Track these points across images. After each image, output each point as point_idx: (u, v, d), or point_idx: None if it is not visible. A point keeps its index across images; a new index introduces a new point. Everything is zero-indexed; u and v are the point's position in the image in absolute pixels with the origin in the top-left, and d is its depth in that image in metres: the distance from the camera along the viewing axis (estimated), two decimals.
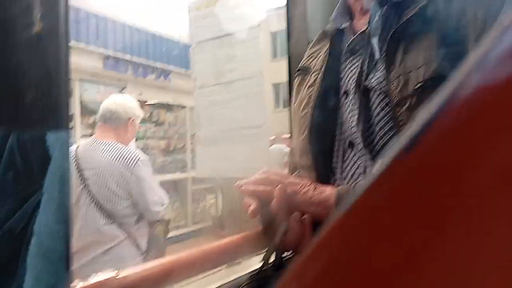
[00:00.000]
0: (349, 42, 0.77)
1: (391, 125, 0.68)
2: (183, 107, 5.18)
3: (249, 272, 0.66)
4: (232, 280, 0.68)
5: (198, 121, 2.29)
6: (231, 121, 2.07)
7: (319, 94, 0.78)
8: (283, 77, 1.41)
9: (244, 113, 2.03)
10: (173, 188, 5.50)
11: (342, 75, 0.77)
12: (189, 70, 2.28)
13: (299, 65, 0.88)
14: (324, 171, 0.77)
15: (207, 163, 2.03)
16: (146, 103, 5.50)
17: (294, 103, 0.86)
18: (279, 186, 0.68)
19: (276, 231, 0.64)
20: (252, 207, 0.68)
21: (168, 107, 5.63)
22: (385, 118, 0.69)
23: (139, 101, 5.46)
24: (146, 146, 4.84)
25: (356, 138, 0.72)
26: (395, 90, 0.66)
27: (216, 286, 0.66)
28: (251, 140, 2.07)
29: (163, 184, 5.29)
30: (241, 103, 2.04)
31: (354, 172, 0.74)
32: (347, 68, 0.77)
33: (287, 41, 1.57)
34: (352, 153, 0.74)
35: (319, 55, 0.82)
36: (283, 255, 0.66)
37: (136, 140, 4.94)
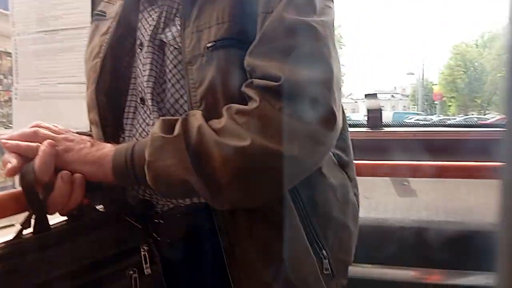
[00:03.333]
0: None
1: (182, 83, 0.66)
2: (9, 53, 4.56)
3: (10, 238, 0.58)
4: None
5: (17, 72, 2.03)
6: (54, 74, 1.89)
7: (112, 43, 0.72)
8: None
9: (69, 66, 1.86)
10: None
11: (138, 25, 0.73)
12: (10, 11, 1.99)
13: (95, 10, 0.79)
14: (112, 128, 0.71)
15: (25, 119, 1.83)
16: None
17: (86, 51, 0.78)
18: (46, 141, 0.61)
19: (39, 191, 0.59)
20: (10, 165, 0.60)
21: None
22: (177, 75, 0.67)
23: None
24: None
25: (147, 94, 0.70)
26: (188, 47, 0.65)
27: None
28: (75, 96, 1.91)
29: None
30: (67, 55, 1.86)
31: (143, 129, 0.69)
32: (144, 19, 0.72)
33: None
34: (143, 110, 0.70)
35: (117, 1, 0.75)
36: (47, 217, 0.61)
37: None
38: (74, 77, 1.82)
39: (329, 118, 0.59)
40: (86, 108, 0.75)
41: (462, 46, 30.92)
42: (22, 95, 1.94)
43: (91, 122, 0.74)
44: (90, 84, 0.72)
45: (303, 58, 0.60)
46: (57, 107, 1.84)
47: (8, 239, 0.57)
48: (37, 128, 0.64)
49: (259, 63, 0.60)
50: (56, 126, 0.66)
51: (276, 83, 0.57)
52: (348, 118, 0.83)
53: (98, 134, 0.71)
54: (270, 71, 0.58)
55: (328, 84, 0.60)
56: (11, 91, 2.00)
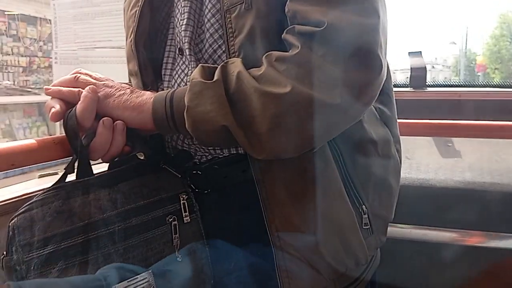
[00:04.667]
0: None
1: (220, 33, 0.64)
2: (49, 20, 4.64)
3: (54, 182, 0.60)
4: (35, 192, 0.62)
5: (56, 37, 2.07)
6: (92, 38, 1.91)
7: None
8: None
9: (106, 30, 1.87)
10: (38, 111, 5.04)
11: None
12: None
13: None
14: (151, 78, 0.71)
15: None
16: (6, 13, 4.80)
17: (125, 0, 0.77)
18: (88, 87, 0.61)
19: (81, 136, 0.58)
20: (54, 110, 0.60)
21: (29, 19, 4.99)
22: (215, 25, 0.65)
23: None
24: (3, 63, 4.29)
25: (185, 43, 0.67)
26: None
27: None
28: (112, 61, 1.93)
29: (26, 106, 4.81)
30: (104, 19, 1.88)
31: (181, 80, 0.68)
32: None
33: None
34: (182, 60, 0.69)
35: None
36: (90, 163, 0.62)
37: None
38: (111, 41, 1.84)
39: (374, 65, 0.56)
40: (126, 59, 0.75)
41: (509, 15, 29.28)
42: (61, 59, 1.99)
43: (130, 73, 0.74)
44: (129, 34, 0.71)
45: (347, 2, 0.57)
46: (96, 71, 1.87)
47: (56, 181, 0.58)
48: (78, 74, 0.64)
49: (300, 8, 0.57)
50: (97, 74, 0.66)
51: (318, 29, 0.55)
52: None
53: (138, 85, 0.71)
54: (312, 16, 0.56)
55: (374, 30, 0.57)
56: (51, 57, 2.04)
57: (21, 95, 4.66)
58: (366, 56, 0.56)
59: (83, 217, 0.57)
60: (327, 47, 0.55)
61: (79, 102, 0.60)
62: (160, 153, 0.69)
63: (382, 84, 0.60)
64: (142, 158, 0.64)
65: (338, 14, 0.55)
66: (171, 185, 0.65)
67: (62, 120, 0.60)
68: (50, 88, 0.63)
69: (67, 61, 2.06)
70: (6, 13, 4.74)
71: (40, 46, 5.07)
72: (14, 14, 4.77)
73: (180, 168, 0.67)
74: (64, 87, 0.63)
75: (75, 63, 2.05)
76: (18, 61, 4.69)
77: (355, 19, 0.56)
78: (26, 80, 4.73)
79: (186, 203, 0.64)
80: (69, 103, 0.62)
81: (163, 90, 0.70)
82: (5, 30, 4.50)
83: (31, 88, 4.74)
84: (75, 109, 0.59)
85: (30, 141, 0.57)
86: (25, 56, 4.67)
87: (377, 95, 0.61)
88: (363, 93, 0.58)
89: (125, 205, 0.60)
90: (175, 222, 0.63)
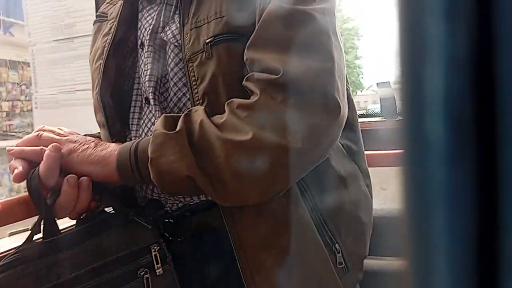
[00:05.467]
0: None
1: (184, 81, 0.65)
2: (28, 64, 4.65)
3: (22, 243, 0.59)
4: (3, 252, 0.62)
5: (35, 81, 2.07)
6: (72, 81, 1.92)
7: (114, 44, 0.72)
8: None
9: (85, 73, 1.88)
10: None
11: (139, 25, 0.73)
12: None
13: (98, 12, 0.79)
14: (119, 129, 0.71)
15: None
16: None
17: (90, 53, 0.78)
18: (50, 145, 0.61)
19: (46, 195, 0.59)
20: (16, 171, 0.60)
21: (11, 64, 5.01)
22: (179, 73, 0.66)
23: None
24: None
25: (150, 93, 0.68)
26: (187, 44, 0.63)
27: None
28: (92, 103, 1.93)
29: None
30: (82, 62, 1.89)
31: (149, 129, 0.69)
32: (143, 18, 0.72)
33: None
34: (148, 109, 0.70)
35: (118, 1, 0.75)
36: (55, 222, 0.61)
37: None
38: (88, 84, 1.85)
39: (332, 108, 0.58)
40: (94, 110, 0.75)
41: None
42: (41, 103, 1.99)
43: (98, 124, 0.75)
44: (95, 86, 0.72)
45: (302, 48, 0.59)
46: (76, 114, 1.87)
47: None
48: (41, 132, 0.64)
49: (258, 56, 0.59)
50: (61, 129, 0.66)
51: (276, 76, 0.56)
52: (367, 109, 0.81)
53: (106, 135, 0.71)
54: (269, 64, 0.57)
55: (330, 73, 0.58)
56: (31, 100, 2.04)
57: (5, 139, 4.64)
58: (324, 100, 0.57)
59: (51, 278, 0.56)
60: (285, 93, 0.56)
61: (42, 162, 0.60)
62: (129, 204, 0.69)
63: (343, 122, 0.61)
64: (110, 211, 0.64)
65: (293, 61, 0.57)
66: (141, 236, 0.64)
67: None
68: (13, 149, 0.63)
69: (47, 105, 2.06)
70: None
71: (23, 90, 5.09)
72: None
73: (151, 218, 0.67)
74: (27, 146, 0.63)
75: (55, 107, 2.05)
76: (1, 106, 4.68)
77: (310, 64, 0.58)
78: (9, 125, 4.72)
79: (158, 254, 0.64)
80: (33, 162, 0.62)
81: (131, 139, 0.71)
82: None
83: (14, 132, 4.73)
84: (38, 169, 0.59)
85: None
86: (7, 100, 4.68)
87: (339, 135, 0.62)
88: (323, 135, 0.59)
89: (95, 262, 0.59)
90: (147, 276, 0.62)
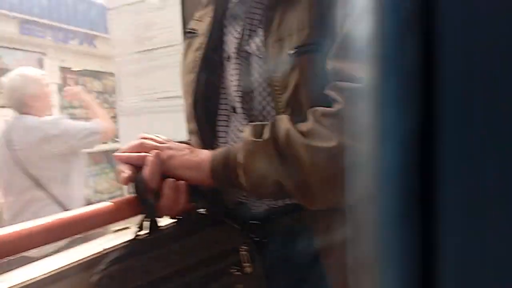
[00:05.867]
0: (231, 7, 0.78)
1: (268, 91, 0.70)
2: (113, 74, 4.98)
3: (127, 240, 0.66)
4: (112, 247, 0.69)
5: (119, 90, 2.23)
6: (153, 90, 2.05)
7: (204, 58, 0.78)
8: None
9: (165, 82, 2.00)
10: (106, 158, 5.35)
11: (225, 39, 0.79)
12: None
13: (187, 28, 0.86)
14: (209, 136, 0.77)
15: (130, 133, 2.00)
16: (72, 70, 5.22)
17: (180, 67, 0.85)
18: (152, 152, 0.68)
19: (150, 197, 0.65)
20: (124, 174, 0.67)
21: (95, 74, 5.39)
22: (263, 84, 0.70)
23: (63, 68, 5.22)
24: (73, 115, 4.64)
25: (237, 102, 0.73)
26: (271, 56, 0.68)
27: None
28: (173, 110, 2.05)
29: (95, 155, 5.14)
30: (162, 73, 2.01)
31: (236, 136, 0.74)
32: (229, 33, 0.77)
33: (181, 5, 1.57)
34: (235, 118, 0.75)
35: (206, 18, 0.81)
36: (157, 222, 0.67)
37: (63, 109, 4.72)
38: (167, 92, 1.96)
39: None
40: (185, 119, 0.82)
41: None
42: (125, 111, 2.13)
43: (190, 132, 0.81)
44: (188, 96, 0.78)
45: None
46: (157, 121, 1.99)
47: (125, 240, 0.65)
48: (143, 140, 0.71)
49: (341, 66, 0.61)
50: (159, 137, 0.73)
51: (358, 84, 0.58)
52: None
53: (197, 142, 0.77)
54: (352, 73, 0.60)
55: None
56: (115, 108, 2.19)
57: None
58: None
59: (155, 271, 0.63)
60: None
61: (146, 167, 0.66)
62: (219, 207, 0.74)
63: None
64: (203, 213, 0.70)
65: None
66: (231, 237, 0.69)
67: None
68: (120, 155, 0.70)
69: (130, 112, 2.19)
70: (72, 69, 5.17)
71: (105, 98, 5.46)
72: (80, 70, 5.19)
73: (240, 220, 0.71)
74: (131, 152, 0.70)
75: (137, 114, 2.18)
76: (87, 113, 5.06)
77: None
78: None
79: (246, 254, 0.68)
80: (136, 166, 0.69)
81: (219, 146, 0.76)
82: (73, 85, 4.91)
83: None
84: (143, 173, 0.66)
85: (107, 204, 0.65)
86: None
87: None
88: None
89: (191, 259, 0.65)
90: (238, 273, 0.67)
